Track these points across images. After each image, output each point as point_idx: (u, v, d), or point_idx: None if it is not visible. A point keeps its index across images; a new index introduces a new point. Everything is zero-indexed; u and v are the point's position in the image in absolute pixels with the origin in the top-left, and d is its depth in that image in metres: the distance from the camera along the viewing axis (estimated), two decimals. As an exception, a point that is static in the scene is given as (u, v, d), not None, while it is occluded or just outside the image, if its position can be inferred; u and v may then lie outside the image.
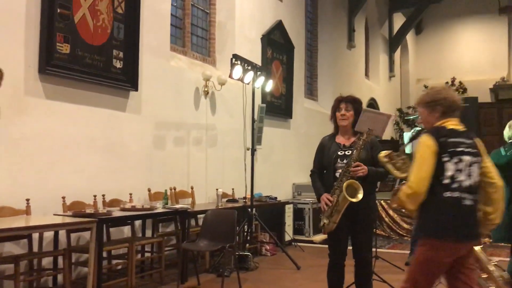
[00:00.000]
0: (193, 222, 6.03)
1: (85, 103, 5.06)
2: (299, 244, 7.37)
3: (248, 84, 6.37)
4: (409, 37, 16.41)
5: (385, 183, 6.61)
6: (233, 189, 6.99)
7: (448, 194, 2.59)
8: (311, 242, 7.67)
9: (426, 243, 2.63)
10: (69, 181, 4.82)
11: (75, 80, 4.90)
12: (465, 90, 14.86)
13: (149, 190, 5.66)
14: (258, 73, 6.47)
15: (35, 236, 4.33)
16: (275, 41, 8.58)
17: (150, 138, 5.91)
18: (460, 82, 15.06)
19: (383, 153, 3.05)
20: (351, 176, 3.38)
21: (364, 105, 4.24)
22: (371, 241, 3.77)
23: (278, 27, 8.65)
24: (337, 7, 11.43)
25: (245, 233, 6.22)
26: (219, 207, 5.85)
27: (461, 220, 2.60)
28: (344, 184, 3.34)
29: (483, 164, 2.72)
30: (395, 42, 15.23)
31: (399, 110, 14.95)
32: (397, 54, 15.92)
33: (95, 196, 4.93)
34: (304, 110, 9.78)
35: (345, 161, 3.50)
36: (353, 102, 3.64)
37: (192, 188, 6.29)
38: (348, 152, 3.53)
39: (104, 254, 4.64)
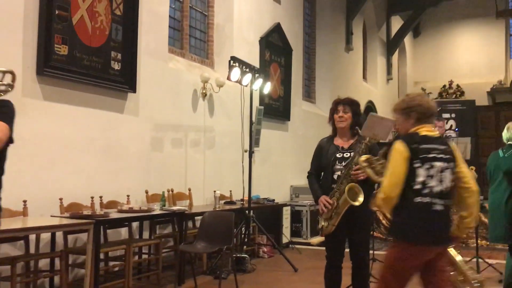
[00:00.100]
0: (190, 224, 6.03)
1: (83, 105, 5.06)
2: (296, 246, 7.37)
3: (246, 86, 6.38)
4: (407, 40, 16.45)
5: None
6: (230, 191, 6.99)
7: (418, 199, 2.66)
8: (309, 244, 7.67)
9: (396, 245, 2.72)
10: (66, 183, 4.81)
11: (73, 81, 4.90)
12: (462, 93, 14.91)
13: (146, 191, 5.66)
14: (256, 75, 6.48)
15: (32, 237, 4.32)
16: (273, 44, 8.60)
17: (148, 139, 5.91)
18: (458, 85, 15.10)
19: (363, 158, 3.12)
20: (351, 179, 3.39)
21: (362, 108, 4.27)
22: (368, 243, 3.78)
23: (276, 30, 8.66)
24: (335, 10, 11.45)
25: (243, 235, 6.22)
26: (217, 209, 5.85)
27: (431, 224, 2.67)
28: (346, 187, 3.34)
29: (458, 169, 2.78)
30: (393, 45, 15.26)
31: (397, 113, 14.94)
32: (395, 57, 15.95)
33: (92, 197, 4.92)
34: (302, 112, 9.79)
35: (343, 163, 3.51)
36: (351, 104, 3.65)
37: (189, 190, 6.29)
38: (347, 154, 3.54)
39: (101, 256, 4.63)
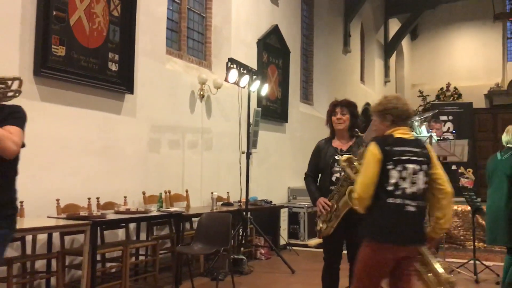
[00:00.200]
0: (187, 225, 6.02)
1: (81, 106, 5.05)
2: (294, 248, 7.36)
3: (243, 88, 6.38)
4: (405, 42, 16.49)
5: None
6: (228, 192, 6.98)
7: (391, 200, 2.73)
8: (306, 246, 7.66)
9: (368, 245, 2.79)
10: (63, 184, 4.80)
11: (70, 82, 4.89)
12: (460, 95, 14.94)
13: (143, 193, 5.65)
14: (254, 77, 6.48)
15: (29, 238, 4.30)
16: (271, 46, 8.61)
17: (145, 141, 5.90)
18: (455, 88, 15.14)
19: (344, 157, 3.20)
20: (351, 182, 3.38)
21: (360, 110, 4.27)
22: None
23: (274, 32, 8.67)
24: (333, 12, 11.47)
25: (240, 237, 6.22)
26: (214, 211, 5.84)
27: (402, 225, 2.74)
28: (347, 190, 3.33)
29: (433, 171, 2.84)
30: (390, 47, 15.30)
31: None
32: (393, 59, 15.99)
33: (89, 198, 4.91)
34: (300, 114, 9.80)
35: (353, 169, 3.49)
36: (348, 106, 3.65)
37: (187, 191, 6.28)
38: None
39: (98, 257, 4.62)
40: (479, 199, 6.07)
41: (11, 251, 4.29)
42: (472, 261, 5.67)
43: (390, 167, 2.74)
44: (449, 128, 10.08)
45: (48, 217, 4.40)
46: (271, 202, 7.34)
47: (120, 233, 5.37)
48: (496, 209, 4.72)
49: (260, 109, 7.33)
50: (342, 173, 3.44)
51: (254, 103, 7.53)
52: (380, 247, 2.73)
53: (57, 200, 4.60)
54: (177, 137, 6.44)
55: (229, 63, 6.01)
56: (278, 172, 8.75)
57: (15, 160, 2.36)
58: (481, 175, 9.59)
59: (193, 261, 5.99)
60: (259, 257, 6.72)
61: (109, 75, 5.31)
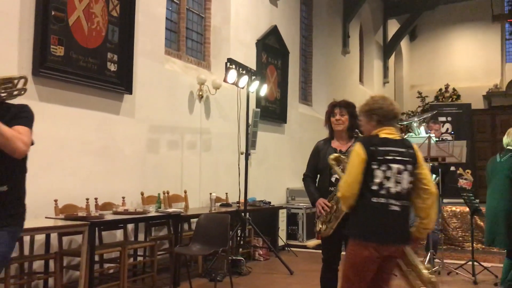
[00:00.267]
0: (186, 226, 6.01)
1: (79, 106, 5.04)
2: (292, 249, 7.36)
3: (242, 88, 6.38)
4: (403, 43, 16.50)
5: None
6: (226, 193, 6.98)
7: (375, 199, 2.77)
8: (305, 247, 7.66)
9: (353, 243, 2.83)
10: (61, 184, 4.79)
11: (69, 82, 4.88)
12: (458, 96, 14.96)
13: (142, 193, 5.64)
14: (253, 77, 6.48)
15: (26, 239, 4.29)
16: (270, 46, 8.60)
17: (144, 141, 5.89)
18: (454, 89, 15.16)
19: (332, 156, 3.25)
20: None
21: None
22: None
23: (273, 32, 8.67)
24: (332, 13, 11.48)
25: (238, 238, 6.21)
26: (213, 211, 5.84)
27: (386, 224, 2.78)
28: None
29: (418, 171, 2.86)
30: (389, 48, 15.31)
31: (393, 116, 14.98)
32: (391, 60, 15.99)
33: (87, 199, 4.90)
34: (299, 115, 9.79)
35: (341, 166, 3.50)
36: (347, 107, 3.65)
37: (185, 192, 6.27)
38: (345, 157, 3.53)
39: (96, 258, 4.61)
40: (477, 200, 6.08)
41: (9, 252, 4.28)
42: (470, 262, 5.67)
43: (374, 166, 2.77)
44: (447, 129, 10.07)
45: (46, 217, 4.40)
46: (269, 203, 7.34)
47: (118, 234, 5.35)
48: (494, 210, 4.72)
49: (259, 109, 7.33)
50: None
51: (253, 103, 7.53)
52: (364, 246, 2.77)
53: (55, 200, 4.59)
54: (176, 138, 6.43)
55: (228, 64, 6.00)
56: (276, 173, 8.75)
57: (24, 158, 2.42)
58: (480, 176, 9.62)
59: (192, 262, 5.98)
60: (257, 258, 6.71)
61: (107, 75, 5.30)
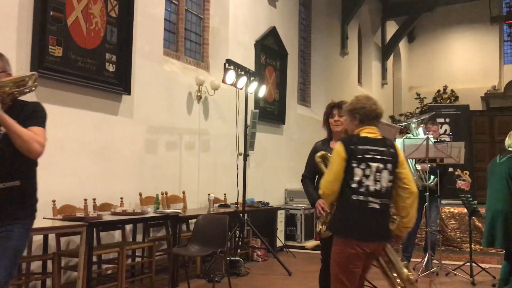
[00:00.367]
0: (184, 227, 6.01)
1: (77, 107, 5.04)
2: (290, 250, 7.35)
3: (241, 89, 6.38)
4: (402, 45, 16.53)
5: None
6: (225, 194, 6.98)
7: (354, 197, 2.84)
8: (303, 248, 7.67)
9: (336, 241, 2.90)
10: (59, 185, 4.78)
11: (67, 83, 4.88)
12: (457, 98, 14.98)
13: (140, 194, 5.63)
14: (251, 78, 6.48)
15: (24, 239, 4.28)
16: (269, 47, 8.61)
17: (142, 142, 5.89)
18: (452, 90, 15.18)
19: (319, 154, 3.30)
20: None
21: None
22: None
23: (272, 33, 8.67)
24: (330, 14, 11.49)
25: (237, 239, 6.21)
26: (211, 212, 5.83)
27: (365, 221, 2.84)
28: None
29: (399, 170, 2.92)
30: (387, 49, 15.33)
31: (391, 117, 15.03)
32: (390, 61, 16.01)
33: (85, 200, 4.90)
34: (297, 116, 9.80)
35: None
36: (345, 108, 3.65)
37: (184, 193, 6.27)
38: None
39: (94, 259, 4.60)
40: (475, 202, 6.08)
41: (7, 252, 4.27)
42: (468, 263, 5.68)
43: (354, 165, 2.84)
44: (446, 130, 10.08)
45: (44, 218, 4.37)
46: (268, 203, 7.34)
47: (117, 235, 5.35)
48: (493, 211, 4.73)
49: (257, 110, 7.33)
50: None
51: (252, 104, 7.53)
52: (346, 242, 2.83)
53: (53, 201, 4.58)
54: (174, 139, 6.43)
55: (227, 65, 6.01)
56: (275, 174, 8.75)
57: None
58: (478, 178, 9.63)
59: (190, 263, 5.97)
60: (255, 259, 6.70)
61: (106, 75, 5.30)
